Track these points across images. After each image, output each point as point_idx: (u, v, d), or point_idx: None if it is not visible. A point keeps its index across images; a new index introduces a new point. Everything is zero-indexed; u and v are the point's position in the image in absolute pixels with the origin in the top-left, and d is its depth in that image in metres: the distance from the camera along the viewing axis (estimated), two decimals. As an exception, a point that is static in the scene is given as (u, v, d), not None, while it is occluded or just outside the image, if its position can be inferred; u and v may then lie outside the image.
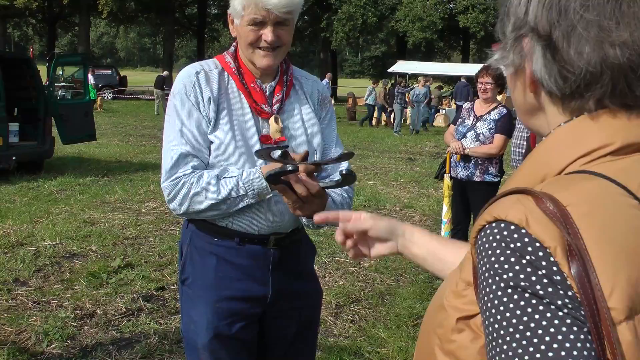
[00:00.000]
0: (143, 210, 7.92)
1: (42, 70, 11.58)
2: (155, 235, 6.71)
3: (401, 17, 36.71)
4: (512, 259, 0.78)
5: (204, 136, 2.00)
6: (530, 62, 0.92)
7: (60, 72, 17.21)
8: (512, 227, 0.80)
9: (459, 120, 5.60)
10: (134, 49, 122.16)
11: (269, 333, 2.20)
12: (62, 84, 17.38)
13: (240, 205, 1.99)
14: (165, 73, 28.15)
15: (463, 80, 23.13)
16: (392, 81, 26.22)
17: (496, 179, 5.38)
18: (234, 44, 2.14)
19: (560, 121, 0.93)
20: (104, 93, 31.12)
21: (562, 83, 0.89)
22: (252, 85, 2.07)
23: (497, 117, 5.32)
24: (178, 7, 43.74)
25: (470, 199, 5.50)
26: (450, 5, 37.84)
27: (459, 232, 5.70)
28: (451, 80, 32.00)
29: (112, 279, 5.23)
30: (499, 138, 5.25)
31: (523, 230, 0.79)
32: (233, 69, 2.08)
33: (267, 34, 1.96)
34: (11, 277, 5.19)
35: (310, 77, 2.27)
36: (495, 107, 5.37)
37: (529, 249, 0.78)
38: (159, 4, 40.72)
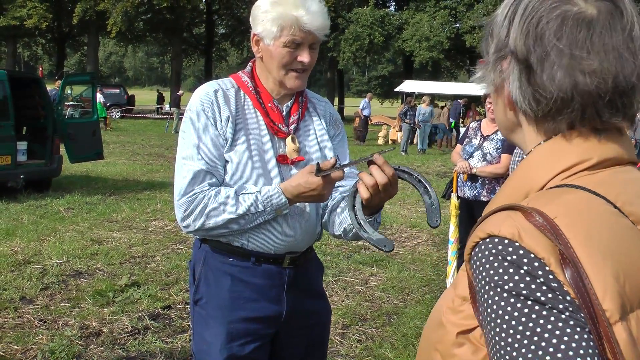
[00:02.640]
0: (150, 229, 7.93)
1: (51, 89, 11.67)
2: (162, 253, 6.71)
3: (408, 36, 36.82)
4: (511, 270, 0.82)
5: (220, 154, 2.01)
6: (508, 83, 0.97)
7: (69, 91, 17.37)
8: (506, 242, 0.84)
9: (466, 139, 5.60)
10: (142, 68, 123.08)
11: (279, 352, 2.19)
12: (71, 102, 17.52)
13: (257, 222, 1.99)
14: (181, 92, 28.74)
15: (459, 100, 26.12)
16: (400, 100, 26.44)
17: (503, 199, 5.36)
18: (250, 63, 2.16)
19: (538, 140, 0.98)
20: (112, 112, 31.29)
21: (535, 106, 0.94)
22: (269, 105, 2.09)
23: (503, 137, 5.30)
24: (186, 27, 44.06)
25: (478, 218, 5.47)
26: (457, 25, 37.95)
27: (466, 251, 5.67)
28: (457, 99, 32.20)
29: (119, 298, 5.22)
30: (505, 157, 5.24)
31: (517, 244, 0.83)
32: (250, 88, 2.09)
33: (305, 55, 2.00)
34: (18, 295, 5.20)
35: (322, 99, 2.31)
36: (502, 127, 5.36)
37: (525, 260, 0.82)
38: (167, 24, 41.06)
